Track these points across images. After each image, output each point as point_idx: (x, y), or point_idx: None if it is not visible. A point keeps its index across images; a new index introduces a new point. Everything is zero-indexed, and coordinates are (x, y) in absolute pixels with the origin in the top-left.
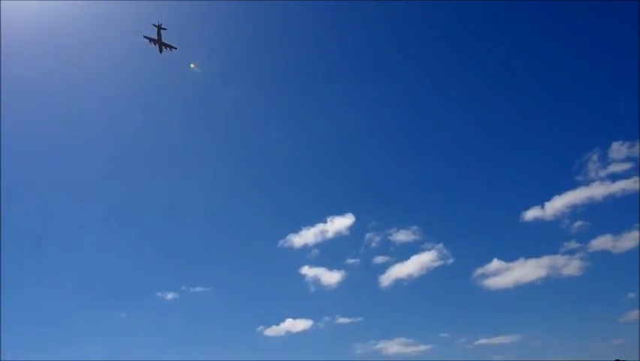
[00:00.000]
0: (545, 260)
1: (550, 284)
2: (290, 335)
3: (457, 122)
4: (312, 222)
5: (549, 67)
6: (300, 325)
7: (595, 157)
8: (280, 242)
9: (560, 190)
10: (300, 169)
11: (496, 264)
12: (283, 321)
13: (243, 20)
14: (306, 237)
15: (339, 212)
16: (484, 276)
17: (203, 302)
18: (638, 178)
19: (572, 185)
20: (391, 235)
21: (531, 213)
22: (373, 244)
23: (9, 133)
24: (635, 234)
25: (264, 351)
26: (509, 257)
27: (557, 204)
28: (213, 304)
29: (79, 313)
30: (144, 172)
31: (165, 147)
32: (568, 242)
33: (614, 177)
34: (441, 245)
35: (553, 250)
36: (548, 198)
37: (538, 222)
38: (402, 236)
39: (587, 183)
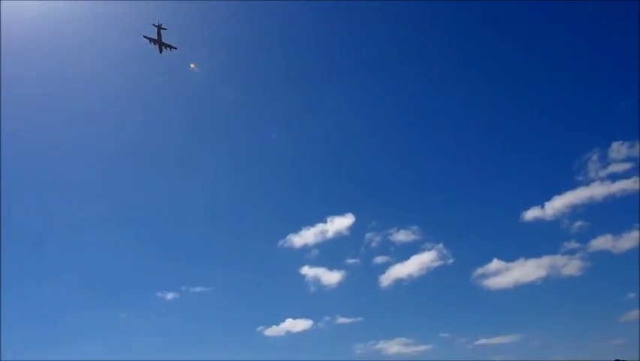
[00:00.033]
0: (545, 260)
1: (550, 284)
2: (290, 335)
3: (457, 122)
4: (312, 222)
5: (549, 67)
6: (300, 325)
7: (595, 157)
8: (280, 242)
9: (560, 190)
10: (300, 169)
11: (496, 264)
12: (283, 321)
13: (243, 20)
14: (306, 237)
15: (339, 212)
16: (484, 276)
17: (203, 302)
18: (638, 178)
19: (572, 185)
20: (391, 234)
21: (531, 213)
22: (373, 244)
23: (9, 133)
24: (635, 234)
25: (264, 351)
26: (509, 257)
27: (557, 204)
28: (213, 304)
29: (79, 313)
30: (144, 172)
31: (165, 146)
32: (568, 242)
33: (614, 177)
34: (441, 245)
35: (553, 250)
36: (548, 198)
37: (538, 222)
38: (402, 236)
39: (587, 183)
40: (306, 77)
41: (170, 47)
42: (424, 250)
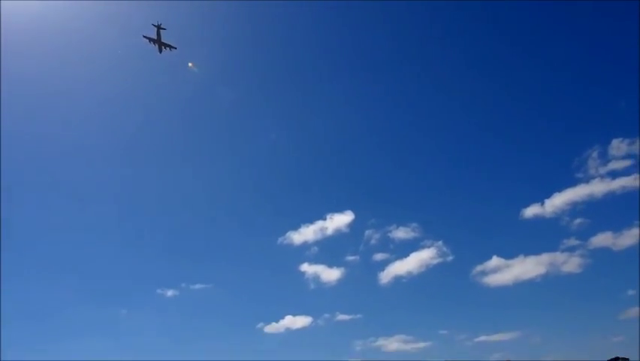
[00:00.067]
0: (545, 257)
1: (550, 281)
2: (289, 332)
3: (457, 120)
4: (311, 220)
5: (549, 65)
6: (299, 322)
7: (595, 154)
8: (280, 239)
9: (559, 187)
10: (299, 167)
11: (495, 261)
12: (283, 318)
13: (243, 20)
14: (306, 234)
15: (339, 209)
16: (484, 273)
17: (203, 299)
18: (638, 175)
19: (572, 182)
20: (391, 232)
21: (531, 211)
22: (373, 241)
23: (9, 133)
24: (635, 231)
25: (263, 348)
26: (509, 254)
27: (557, 201)
28: (213, 302)
29: (79, 310)
30: (144, 171)
31: (165, 145)
32: (568, 239)
33: (614, 175)
34: (440, 242)
35: (552, 248)
36: (548, 195)
37: (537, 220)
38: (401, 233)
39: (587, 180)
40: (306, 76)
41: (170, 46)
42: (423, 247)
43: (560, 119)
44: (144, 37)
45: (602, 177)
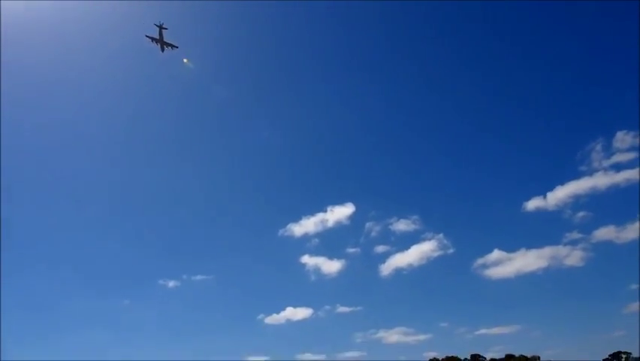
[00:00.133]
0: (547, 251)
1: (552, 275)
2: (290, 324)
3: (460, 112)
4: (312, 212)
5: (553, 57)
6: (300, 313)
7: (599, 147)
8: (280, 231)
9: (562, 180)
10: (300, 159)
11: (496, 254)
12: (284, 309)
13: (238, 20)
14: (307, 226)
15: (339, 201)
16: (485, 266)
17: (204, 290)
18: None
19: (575, 175)
20: (391, 224)
21: (533, 204)
22: (373, 234)
23: (9, 132)
24: (638, 225)
25: (264, 339)
26: (510, 247)
27: (560, 194)
28: (214, 293)
29: (82, 302)
30: (146, 165)
31: (167, 141)
32: (570, 232)
33: (618, 167)
34: (441, 235)
35: (555, 241)
36: (551, 188)
37: (540, 213)
38: (402, 225)
39: (591, 173)
40: (303, 75)
41: (172, 45)
42: (424, 239)
43: (563, 111)
44: (147, 36)
45: (605, 169)
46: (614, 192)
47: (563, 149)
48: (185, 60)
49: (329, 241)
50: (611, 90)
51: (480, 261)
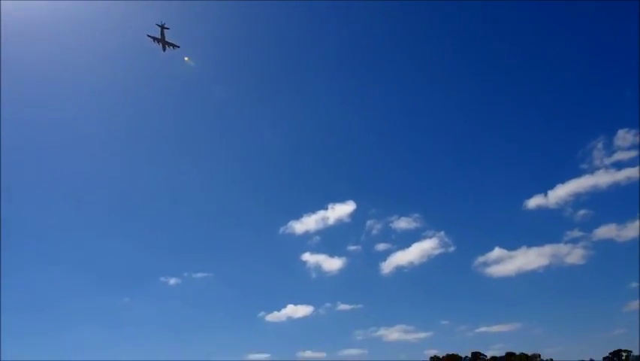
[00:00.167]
0: (548, 249)
1: (553, 273)
2: (291, 321)
3: (461, 110)
4: (313, 209)
5: (554, 56)
6: (301, 311)
7: (600, 145)
8: (281, 229)
9: (563, 178)
10: (300, 158)
11: (497, 252)
12: (284, 307)
13: (238, 20)
14: (307, 223)
15: (340, 199)
16: (486, 264)
17: (205, 288)
18: None
19: (576, 173)
20: (392, 222)
21: (534, 202)
22: (374, 231)
23: (9, 133)
24: (639, 223)
25: (265, 336)
26: (511, 245)
27: (561, 192)
28: (215, 290)
29: (83, 299)
30: (147, 163)
31: (168, 139)
32: (571, 231)
33: (619, 165)
34: (442, 233)
35: (556, 239)
36: (552, 186)
37: (541, 211)
38: (403, 223)
39: (592, 171)
40: (305, 74)
41: (173, 45)
42: (425, 237)
43: (564, 110)
44: (148, 36)
45: (606, 168)
46: (615, 191)
47: (564, 147)
48: (186, 58)
49: (330, 239)
50: (612, 89)
51: (481, 259)
